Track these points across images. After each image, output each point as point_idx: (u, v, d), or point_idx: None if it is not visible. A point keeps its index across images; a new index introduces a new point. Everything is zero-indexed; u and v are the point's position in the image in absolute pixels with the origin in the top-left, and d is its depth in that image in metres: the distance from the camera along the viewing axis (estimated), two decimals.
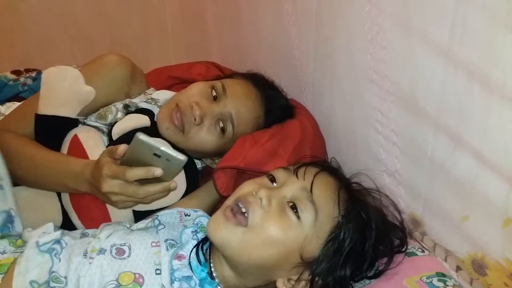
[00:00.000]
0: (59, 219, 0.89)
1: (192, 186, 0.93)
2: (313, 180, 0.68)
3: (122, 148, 0.73)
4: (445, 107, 0.69)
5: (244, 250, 0.64)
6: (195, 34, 1.57)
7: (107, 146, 0.92)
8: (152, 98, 0.99)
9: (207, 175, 0.96)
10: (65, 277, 0.64)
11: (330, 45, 0.93)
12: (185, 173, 0.92)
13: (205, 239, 0.73)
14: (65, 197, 0.89)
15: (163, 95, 1.00)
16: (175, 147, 0.93)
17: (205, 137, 0.92)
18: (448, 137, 0.70)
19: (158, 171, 0.72)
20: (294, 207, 0.66)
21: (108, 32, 1.77)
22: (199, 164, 1.02)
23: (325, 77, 0.98)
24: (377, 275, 0.70)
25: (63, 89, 0.90)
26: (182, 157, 0.71)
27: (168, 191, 0.77)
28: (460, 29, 0.63)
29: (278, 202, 0.66)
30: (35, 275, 0.64)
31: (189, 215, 0.80)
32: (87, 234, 0.75)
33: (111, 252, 0.67)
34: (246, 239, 0.64)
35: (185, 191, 0.92)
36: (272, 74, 1.07)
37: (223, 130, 0.92)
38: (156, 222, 0.76)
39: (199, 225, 0.77)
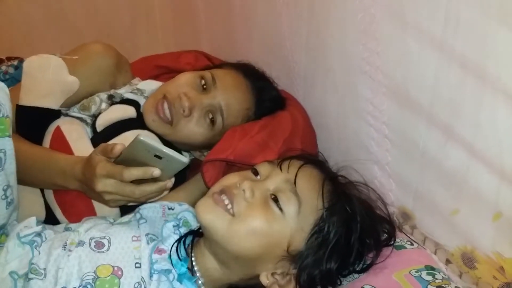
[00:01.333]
0: (42, 214, 0.86)
1: (180, 179, 0.91)
2: (297, 172, 0.67)
3: (119, 147, 0.71)
4: (437, 99, 0.69)
5: (230, 239, 0.64)
6: (185, 24, 1.54)
7: (91, 138, 0.90)
8: (138, 89, 0.96)
9: (196, 168, 0.95)
10: (44, 269, 0.64)
11: (322, 36, 0.92)
12: None
13: (188, 234, 0.73)
14: (49, 193, 0.86)
15: (150, 85, 0.98)
16: (163, 140, 0.92)
17: (194, 129, 0.90)
18: (440, 130, 0.70)
19: (156, 172, 0.70)
20: (276, 200, 0.65)
21: (95, 22, 1.73)
22: (187, 156, 1.00)
23: (317, 68, 0.97)
24: (365, 269, 0.70)
25: (46, 79, 0.87)
26: (184, 159, 0.70)
27: (164, 190, 0.76)
28: (453, 22, 0.62)
29: (261, 194, 0.66)
30: (15, 266, 0.64)
31: (173, 209, 0.79)
32: (70, 228, 0.73)
33: (89, 244, 0.66)
34: (232, 228, 0.64)
35: (173, 184, 0.90)
36: (263, 65, 1.06)
37: (212, 122, 0.91)
38: (138, 216, 0.75)
39: (182, 220, 0.76)
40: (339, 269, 0.67)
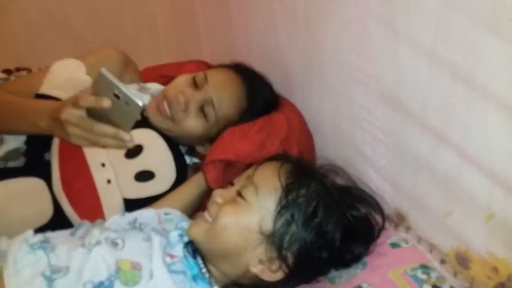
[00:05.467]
0: (50, 209, 0.89)
1: (181, 176, 0.97)
2: (257, 167, 0.75)
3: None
4: (429, 106, 0.71)
5: (209, 240, 0.71)
6: (186, 34, 1.57)
7: None
8: (144, 87, 1.07)
9: (197, 171, 0.98)
10: (66, 267, 0.65)
11: (318, 45, 0.94)
12: (175, 163, 0.97)
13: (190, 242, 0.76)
14: (57, 185, 0.90)
15: (155, 86, 1.09)
16: (167, 138, 0.98)
17: (192, 122, 0.97)
18: (433, 134, 0.71)
19: (106, 102, 0.70)
20: (240, 194, 0.72)
21: (99, 32, 1.76)
22: (188, 160, 1.04)
23: (313, 77, 0.99)
24: (354, 259, 0.74)
25: (64, 75, 0.98)
26: (139, 102, 0.69)
27: (121, 140, 0.75)
28: (443, 31, 0.64)
29: (230, 195, 0.73)
30: (28, 274, 0.64)
31: (169, 214, 0.83)
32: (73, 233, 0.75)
33: (106, 242, 0.68)
34: (209, 231, 0.71)
35: (175, 181, 0.95)
36: (262, 73, 1.08)
37: (204, 114, 0.97)
38: (137, 224, 0.79)
39: (182, 228, 0.79)
40: (319, 247, 0.70)
